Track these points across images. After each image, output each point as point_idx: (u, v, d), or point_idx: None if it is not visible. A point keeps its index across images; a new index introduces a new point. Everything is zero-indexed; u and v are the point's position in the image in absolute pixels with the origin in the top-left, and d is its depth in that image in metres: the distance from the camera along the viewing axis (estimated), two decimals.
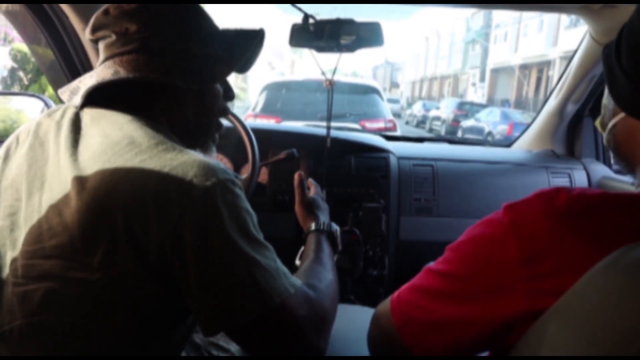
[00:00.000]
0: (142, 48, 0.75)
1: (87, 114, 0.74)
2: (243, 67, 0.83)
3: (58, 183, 0.68)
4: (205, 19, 0.81)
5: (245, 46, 0.81)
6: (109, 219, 0.62)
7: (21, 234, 0.69)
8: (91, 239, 0.63)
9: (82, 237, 0.63)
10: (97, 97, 0.75)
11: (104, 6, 0.77)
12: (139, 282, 0.64)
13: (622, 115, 0.61)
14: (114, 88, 0.75)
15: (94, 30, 0.77)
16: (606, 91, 0.66)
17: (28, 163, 0.72)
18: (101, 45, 0.78)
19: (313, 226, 1.02)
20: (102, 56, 0.78)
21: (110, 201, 0.63)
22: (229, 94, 0.88)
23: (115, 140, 0.68)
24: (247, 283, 0.63)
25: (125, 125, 0.70)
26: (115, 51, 0.75)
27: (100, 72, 0.75)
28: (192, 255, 0.62)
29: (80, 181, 0.65)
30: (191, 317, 0.75)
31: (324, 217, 1.08)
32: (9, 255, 0.70)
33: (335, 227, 1.06)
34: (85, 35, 0.80)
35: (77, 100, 0.75)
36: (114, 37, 0.76)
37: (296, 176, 1.14)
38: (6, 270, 0.69)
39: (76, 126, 0.73)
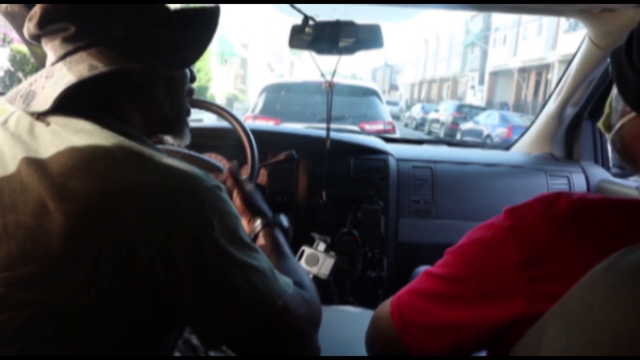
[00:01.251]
0: (109, 38, 0.68)
1: (46, 121, 0.67)
2: (202, 50, 0.77)
3: (24, 203, 0.61)
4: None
5: (207, 26, 0.76)
6: (92, 242, 0.59)
7: None
8: (74, 263, 0.59)
9: (64, 263, 0.59)
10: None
11: None
12: (124, 302, 0.61)
13: (631, 115, 0.62)
14: (74, 88, 0.67)
15: (46, 23, 0.67)
16: (614, 93, 0.66)
17: None
18: (54, 40, 0.68)
19: (262, 222, 0.97)
20: (58, 52, 0.69)
21: (92, 223, 0.59)
22: (193, 76, 0.84)
23: (86, 154, 0.62)
24: (247, 290, 0.62)
25: (94, 135, 0.64)
26: (77, 45, 0.67)
27: (69, 69, 0.66)
28: (186, 270, 0.60)
29: (55, 202, 0.60)
30: (178, 327, 0.72)
31: (267, 209, 1.03)
32: None
33: (285, 219, 1.04)
34: (28, 30, 0.69)
35: (39, 106, 0.66)
36: (72, 29, 0.67)
37: (227, 169, 1.06)
38: None
39: (33, 135, 0.66)
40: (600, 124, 0.71)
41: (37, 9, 0.67)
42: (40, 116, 0.67)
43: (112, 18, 0.68)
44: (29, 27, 0.69)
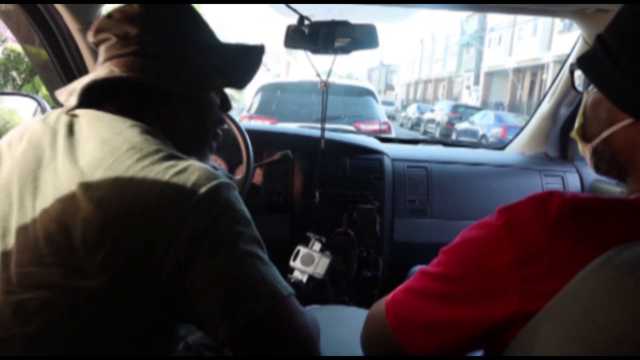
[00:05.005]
0: (141, 51, 0.75)
1: (83, 117, 0.74)
2: (240, 81, 0.82)
3: (53, 189, 0.67)
4: (206, 30, 0.82)
5: (243, 59, 0.82)
6: (112, 228, 0.62)
7: (13, 240, 0.67)
8: (94, 247, 0.62)
9: (84, 246, 0.62)
10: (93, 100, 0.75)
11: (109, 10, 0.79)
12: (137, 289, 0.63)
13: (625, 122, 0.61)
14: (109, 91, 0.75)
15: (96, 32, 0.79)
16: (588, 102, 0.66)
17: (20, 168, 0.71)
18: (102, 48, 0.79)
19: None
20: (101, 58, 0.79)
21: (114, 210, 0.63)
22: (226, 105, 0.89)
23: (115, 146, 0.68)
24: (256, 278, 0.63)
25: (125, 131, 0.70)
26: (114, 53, 0.77)
27: (96, 72, 0.76)
28: (200, 257, 0.62)
29: (82, 189, 0.65)
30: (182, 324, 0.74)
31: None
32: (0, 262, 0.67)
33: None
34: (87, 38, 0.82)
35: (73, 101, 0.75)
36: (114, 39, 0.77)
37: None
38: None
39: (71, 130, 0.73)
40: (574, 134, 0.71)
41: (95, 21, 0.79)
42: (80, 111, 0.75)
43: (150, 35, 0.76)
44: (89, 35, 0.81)
